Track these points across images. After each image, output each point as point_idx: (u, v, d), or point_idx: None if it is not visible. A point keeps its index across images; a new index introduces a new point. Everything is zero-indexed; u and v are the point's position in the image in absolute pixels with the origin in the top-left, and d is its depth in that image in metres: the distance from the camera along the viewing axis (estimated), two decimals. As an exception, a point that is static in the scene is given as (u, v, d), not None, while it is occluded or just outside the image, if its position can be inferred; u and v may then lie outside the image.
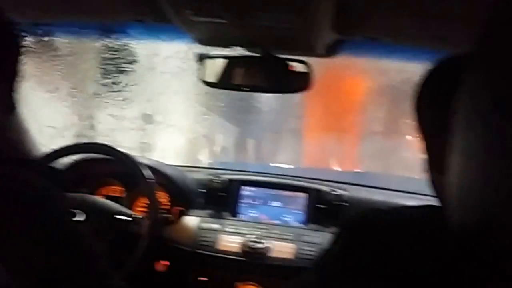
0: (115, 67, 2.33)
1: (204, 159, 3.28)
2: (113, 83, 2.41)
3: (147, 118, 3.06)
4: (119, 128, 2.74)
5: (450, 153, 0.64)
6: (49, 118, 2.22)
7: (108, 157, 1.62)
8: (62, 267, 0.74)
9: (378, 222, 0.79)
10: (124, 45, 2.21)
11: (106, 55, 2.25)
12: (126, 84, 2.43)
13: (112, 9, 1.15)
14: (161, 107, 2.98)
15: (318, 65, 1.33)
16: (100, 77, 2.43)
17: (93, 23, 1.36)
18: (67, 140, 2.45)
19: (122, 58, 2.30)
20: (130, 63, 2.22)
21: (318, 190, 1.80)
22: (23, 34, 0.85)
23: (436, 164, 0.73)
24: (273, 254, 1.63)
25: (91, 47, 2.29)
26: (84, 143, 1.64)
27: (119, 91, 2.46)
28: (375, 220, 0.80)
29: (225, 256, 1.65)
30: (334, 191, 1.78)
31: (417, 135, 0.77)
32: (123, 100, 2.54)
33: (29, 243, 0.71)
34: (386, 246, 0.73)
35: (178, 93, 2.82)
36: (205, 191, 1.82)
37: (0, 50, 0.79)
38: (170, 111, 3.04)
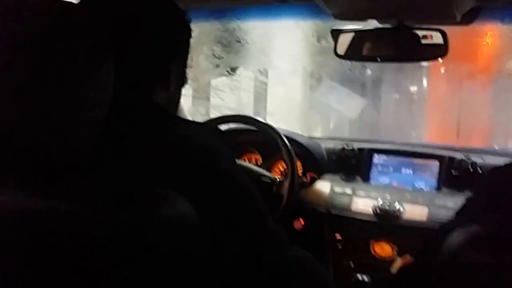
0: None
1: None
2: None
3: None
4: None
5: None
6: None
7: (250, 127, 1.80)
8: (231, 207, 0.87)
9: None
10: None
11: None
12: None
13: None
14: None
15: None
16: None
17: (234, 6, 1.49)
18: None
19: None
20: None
21: (451, 158, 1.80)
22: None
23: None
24: (406, 216, 1.66)
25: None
26: (234, 115, 1.83)
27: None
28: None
29: (358, 218, 1.72)
30: (468, 158, 1.77)
31: None
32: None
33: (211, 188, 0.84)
34: None
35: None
36: (336, 159, 1.91)
37: (175, 34, 0.96)
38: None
